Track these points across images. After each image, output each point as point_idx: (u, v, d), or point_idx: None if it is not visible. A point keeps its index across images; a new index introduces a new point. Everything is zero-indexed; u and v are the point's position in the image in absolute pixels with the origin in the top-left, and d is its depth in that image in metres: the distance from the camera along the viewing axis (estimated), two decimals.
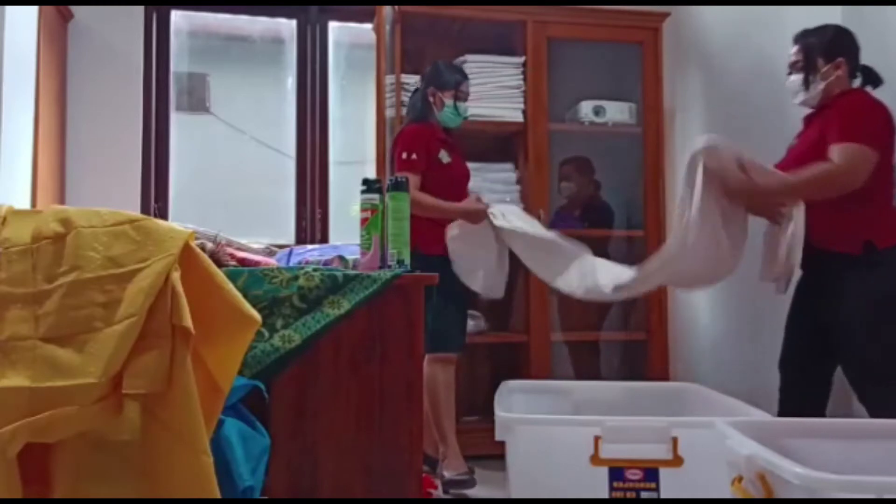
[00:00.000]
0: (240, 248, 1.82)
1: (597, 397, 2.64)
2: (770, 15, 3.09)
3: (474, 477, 2.77)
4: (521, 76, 3.48)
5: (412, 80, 3.30)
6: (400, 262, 1.76)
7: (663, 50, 3.61)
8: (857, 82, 2.31)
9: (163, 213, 3.67)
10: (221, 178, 4.00)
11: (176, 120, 3.82)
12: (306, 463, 1.56)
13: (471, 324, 3.21)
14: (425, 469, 2.61)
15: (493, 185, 3.42)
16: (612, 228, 3.70)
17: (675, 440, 2.04)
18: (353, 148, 4.01)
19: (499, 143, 3.69)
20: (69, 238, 1.10)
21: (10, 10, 2.81)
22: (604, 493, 2.04)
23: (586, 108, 3.55)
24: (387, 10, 3.35)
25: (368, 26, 3.70)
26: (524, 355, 3.42)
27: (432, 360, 2.75)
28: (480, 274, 2.77)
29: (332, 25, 3.98)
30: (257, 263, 1.74)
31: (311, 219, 3.85)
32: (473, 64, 3.38)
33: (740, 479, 1.51)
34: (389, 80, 3.36)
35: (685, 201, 2.21)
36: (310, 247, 2.24)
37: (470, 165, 3.10)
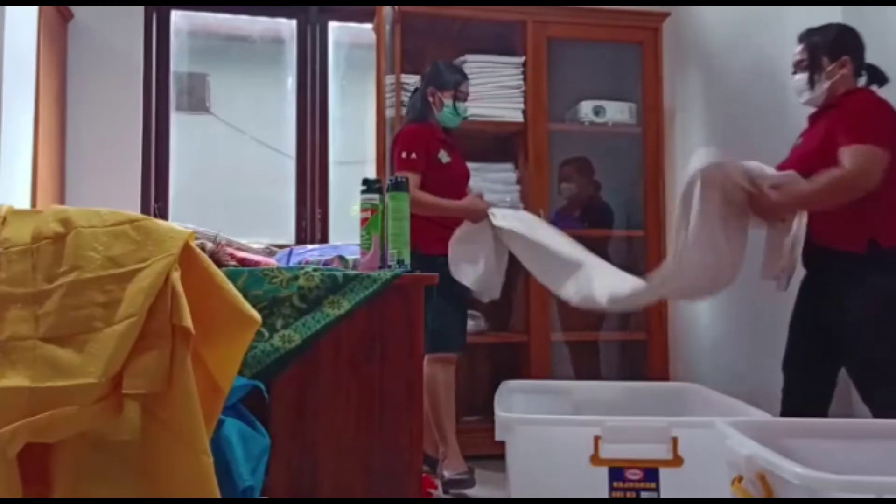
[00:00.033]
0: (240, 248, 1.82)
1: (597, 397, 2.63)
2: (770, 15, 3.09)
3: (474, 477, 2.77)
4: (521, 76, 3.48)
5: (412, 80, 3.30)
6: (400, 262, 1.76)
7: (663, 50, 3.61)
8: (862, 81, 2.29)
9: (163, 213, 3.67)
10: (221, 178, 4.00)
11: (176, 120, 3.82)
12: (306, 463, 1.56)
13: (471, 324, 3.21)
14: (425, 469, 2.61)
15: (493, 185, 3.42)
16: (612, 228, 3.70)
17: (675, 440, 2.04)
18: (353, 148, 4.01)
19: (499, 143, 3.69)
20: (69, 238, 1.10)
21: (10, 10, 2.81)
22: (604, 493, 2.04)
23: (586, 108, 3.55)
24: (387, 10, 3.36)
25: (368, 26, 3.70)
26: (524, 355, 3.42)
27: (432, 360, 2.75)
28: (478, 274, 2.76)
29: (332, 25, 3.98)
30: (257, 263, 1.74)
31: (311, 219, 3.85)
32: (473, 64, 3.38)
33: (740, 479, 1.51)
34: (389, 80, 3.36)
35: (682, 220, 2.15)
36: (310, 247, 2.24)
37: (470, 165, 3.10)
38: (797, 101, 2.38)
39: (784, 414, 2.30)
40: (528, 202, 3.42)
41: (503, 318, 3.63)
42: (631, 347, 3.73)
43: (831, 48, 2.26)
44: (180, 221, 1.38)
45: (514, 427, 2.12)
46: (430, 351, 2.66)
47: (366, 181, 1.82)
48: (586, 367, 3.63)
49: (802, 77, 2.31)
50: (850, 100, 2.21)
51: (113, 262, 1.08)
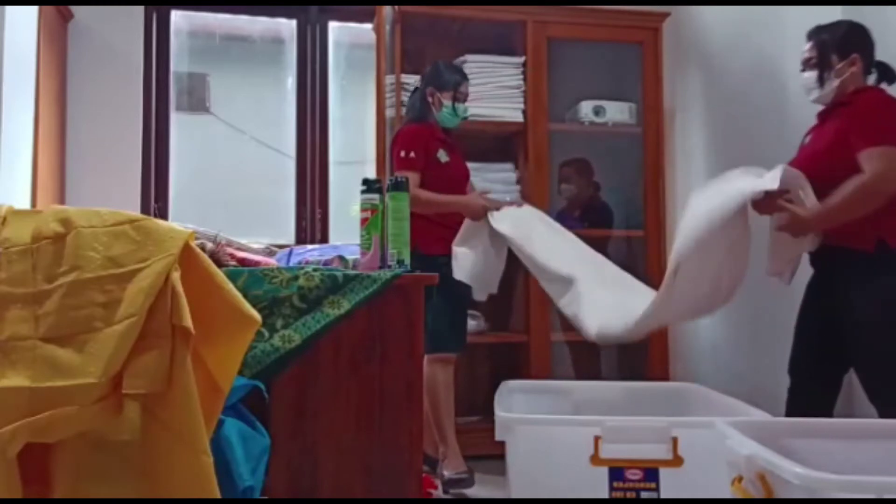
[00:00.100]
0: (240, 248, 1.82)
1: (597, 397, 2.63)
2: (770, 15, 3.09)
3: (473, 476, 2.77)
4: (521, 76, 3.48)
5: (412, 80, 3.29)
6: (400, 262, 1.76)
7: (663, 50, 3.61)
8: (871, 79, 2.27)
9: (163, 213, 3.67)
10: (221, 178, 4.00)
11: (176, 120, 3.82)
12: (306, 463, 1.56)
13: (471, 324, 3.21)
14: (425, 469, 2.61)
15: (493, 185, 3.41)
16: (612, 229, 3.70)
17: (675, 440, 2.04)
18: (353, 148, 4.01)
19: (499, 143, 3.69)
20: (69, 238, 1.10)
21: (10, 10, 2.81)
22: (604, 493, 2.03)
23: (586, 108, 3.55)
24: (387, 10, 3.36)
25: (368, 26, 3.70)
26: (524, 355, 3.41)
27: (432, 360, 2.75)
28: (475, 269, 2.75)
29: (332, 25, 3.98)
30: (257, 263, 1.74)
31: (311, 219, 3.85)
32: (473, 64, 3.38)
33: (740, 479, 1.51)
34: (389, 80, 3.36)
35: (683, 251, 2.10)
36: (310, 247, 2.24)
37: (470, 165, 3.10)
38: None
39: (789, 416, 2.28)
40: (528, 202, 3.40)
41: (503, 318, 3.63)
42: (631, 347, 3.71)
43: (841, 46, 2.23)
44: (180, 221, 1.38)
45: (514, 427, 2.12)
46: (429, 351, 2.66)
47: (366, 181, 1.82)
48: (586, 367, 3.62)
49: (811, 75, 2.27)
50: (860, 98, 2.18)
51: (113, 262, 1.08)
